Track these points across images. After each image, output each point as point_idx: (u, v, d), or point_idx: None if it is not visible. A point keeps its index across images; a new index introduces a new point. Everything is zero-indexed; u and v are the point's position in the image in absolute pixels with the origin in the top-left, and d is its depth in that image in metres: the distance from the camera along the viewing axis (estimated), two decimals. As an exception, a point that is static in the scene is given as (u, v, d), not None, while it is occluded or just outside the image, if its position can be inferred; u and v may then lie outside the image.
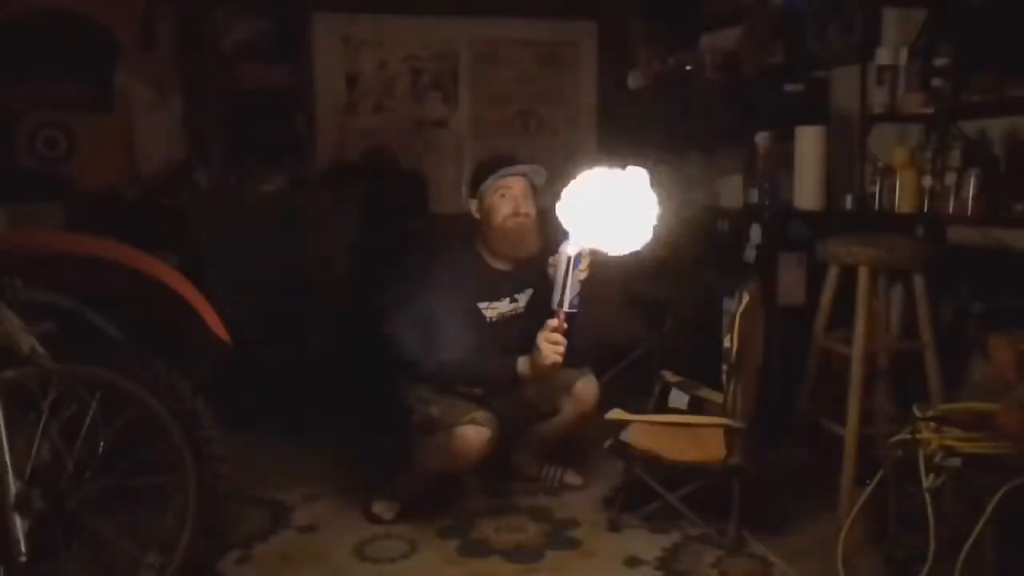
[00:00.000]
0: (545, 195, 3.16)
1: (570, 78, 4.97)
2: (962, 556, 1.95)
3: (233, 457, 2.07)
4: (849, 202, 3.33)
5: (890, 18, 3.17)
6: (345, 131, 4.77)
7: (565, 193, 2.23)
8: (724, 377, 2.52)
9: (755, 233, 3.33)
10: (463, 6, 4.76)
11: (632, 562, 2.47)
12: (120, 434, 2.04)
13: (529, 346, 2.55)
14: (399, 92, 4.88)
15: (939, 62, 2.88)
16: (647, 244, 2.19)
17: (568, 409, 2.87)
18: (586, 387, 2.85)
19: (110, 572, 2.12)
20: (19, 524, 1.82)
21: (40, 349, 1.80)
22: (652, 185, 2.18)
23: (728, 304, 3.34)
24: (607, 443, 2.69)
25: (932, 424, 2.12)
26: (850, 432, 2.66)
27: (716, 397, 2.73)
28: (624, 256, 2.25)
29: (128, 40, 4.54)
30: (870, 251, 2.65)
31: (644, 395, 3.08)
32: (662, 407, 2.91)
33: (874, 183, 3.12)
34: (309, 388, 3.82)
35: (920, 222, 3.06)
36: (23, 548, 1.81)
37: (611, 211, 2.16)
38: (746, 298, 2.58)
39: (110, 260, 1.91)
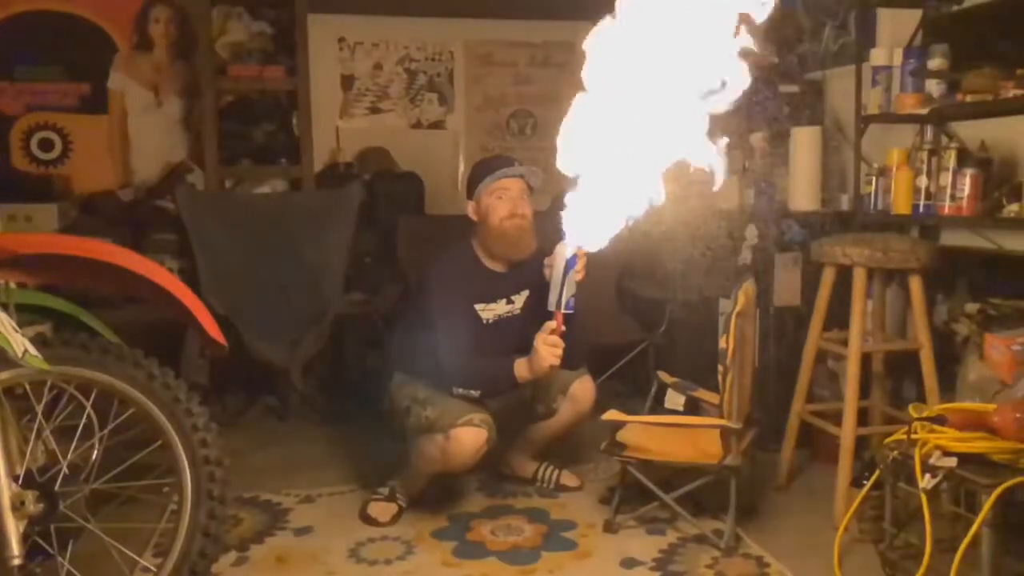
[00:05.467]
0: (541, 196, 3.18)
1: (566, 79, 4.98)
2: (958, 556, 1.95)
3: (229, 459, 2.07)
4: (844, 203, 3.34)
5: (885, 19, 3.18)
6: (340, 133, 4.77)
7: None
8: (720, 378, 2.52)
9: (751, 234, 3.33)
10: (458, 8, 4.77)
11: (628, 563, 2.47)
12: (115, 436, 2.04)
13: (526, 347, 2.55)
14: (395, 94, 4.88)
15: (933, 63, 2.89)
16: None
17: (565, 410, 2.87)
18: (582, 388, 2.85)
19: (105, 575, 2.11)
20: (14, 527, 1.81)
21: (34, 351, 1.79)
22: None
23: (724, 305, 3.35)
24: (603, 444, 2.69)
25: (928, 424, 2.12)
26: (846, 432, 2.67)
27: (712, 398, 2.73)
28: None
29: (123, 42, 4.54)
30: (865, 252, 2.66)
31: (640, 396, 3.08)
32: (658, 408, 2.91)
33: (869, 184, 3.13)
34: (305, 389, 3.82)
35: (915, 223, 3.07)
36: (17, 551, 1.80)
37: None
38: (742, 299, 2.58)
39: (105, 262, 1.90)
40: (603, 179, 2.09)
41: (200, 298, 2.04)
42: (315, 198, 4.20)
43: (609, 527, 2.67)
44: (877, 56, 3.11)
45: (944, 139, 2.95)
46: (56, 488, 1.91)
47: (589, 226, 2.20)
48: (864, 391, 2.83)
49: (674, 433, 2.72)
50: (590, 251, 2.30)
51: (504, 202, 2.71)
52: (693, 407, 2.87)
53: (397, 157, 4.75)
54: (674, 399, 2.87)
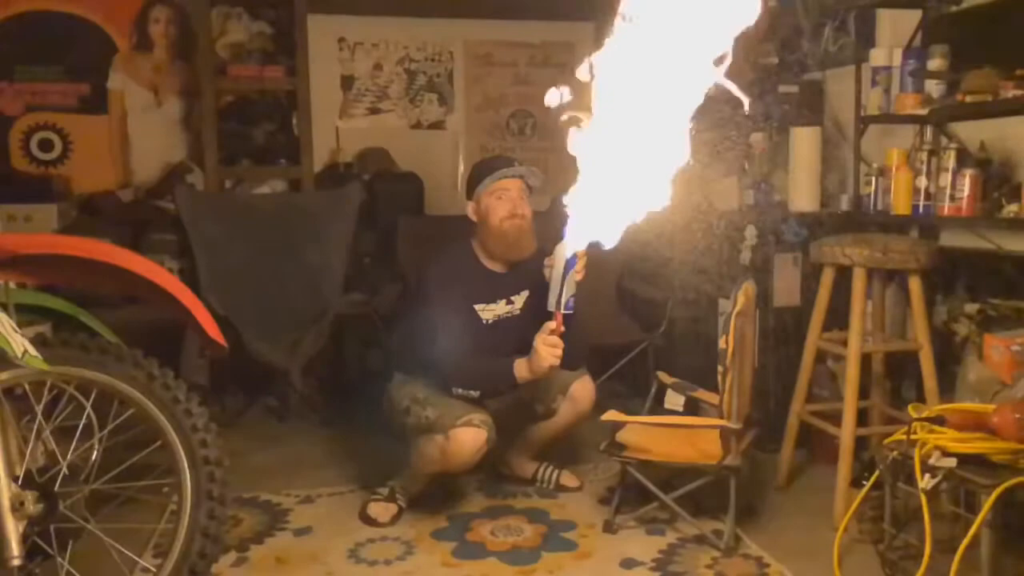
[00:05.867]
0: (541, 197, 3.18)
1: (566, 80, 4.98)
2: (957, 556, 1.95)
3: (228, 459, 2.07)
4: (844, 203, 3.34)
5: (884, 19, 3.18)
6: (340, 133, 4.77)
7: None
8: (719, 378, 2.52)
9: (750, 234, 3.33)
10: (458, 8, 4.77)
11: (628, 563, 2.47)
12: (114, 437, 2.04)
13: (525, 347, 2.55)
14: (394, 94, 4.88)
15: (933, 64, 2.89)
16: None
17: (564, 410, 2.87)
18: (582, 388, 2.85)
19: None
20: (13, 527, 1.81)
21: (34, 351, 1.79)
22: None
23: (724, 305, 3.35)
24: (603, 444, 2.69)
25: (927, 424, 2.12)
26: (845, 433, 2.67)
27: (712, 398, 2.73)
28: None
29: (123, 42, 4.54)
30: (865, 252, 2.66)
31: (640, 396, 3.08)
32: (658, 408, 2.91)
33: (869, 184, 3.13)
34: (305, 390, 3.83)
35: (914, 223, 3.07)
36: (17, 551, 1.80)
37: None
38: (741, 299, 2.58)
39: (104, 262, 1.90)
40: (613, 173, 2.05)
41: (200, 298, 2.04)
42: (315, 198, 4.20)
43: (609, 527, 2.67)
44: (877, 56, 3.11)
45: (944, 139, 2.95)
46: (56, 488, 1.91)
47: (599, 221, 2.16)
48: (863, 391, 2.83)
49: (674, 433, 2.72)
50: (604, 246, 2.25)
51: (504, 202, 2.71)
52: (693, 407, 2.87)
53: (397, 157, 4.75)
54: (674, 399, 2.87)
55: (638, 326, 3.92)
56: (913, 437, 2.10)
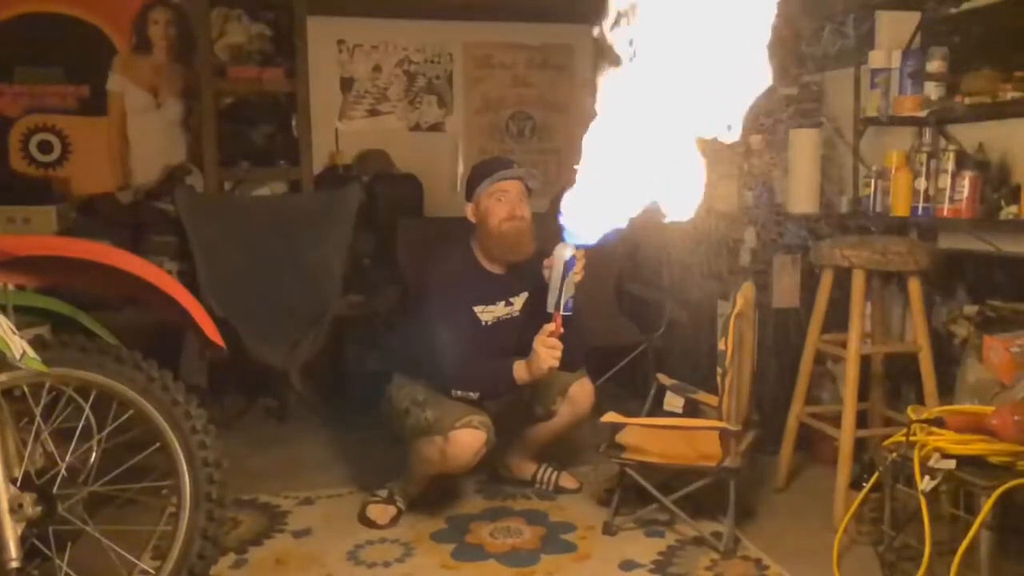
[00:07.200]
0: (540, 198, 3.18)
1: (565, 81, 4.99)
2: (957, 558, 1.95)
3: (227, 461, 2.07)
4: (843, 205, 3.34)
5: (884, 21, 3.18)
6: (339, 135, 4.77)
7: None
8: (719, 380, 2.52)
9: (749, 236, 3.33)
10: (457, 10, 4.77)
11: (627, 565, 2.47)
12: (113, 438, 2.04)
13: (524, 349, 2.55)
14: (394, 96, 4.88)
15: (932, 65, 2.89)
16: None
17: (563, 412, 2.87)
18: (581, 390, 2.85)
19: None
20: (12, 529, 1.81)
21: (32, 353, 1.79)
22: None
23: (723, 307, 3.35)
24: (602, 446, 2.69)
25: (926, 426, 2.12)
26: (845, 434, 2.67)
27: (711, 400, 2.73)
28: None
29: (122, 43, 4.54)
30: (864, 254, 2.66)
31: (639, 398, 3.08)
32: (657, 410, 2.91)
33: (868, 186, 3.13)
34: (304, 391, 3.82)
35: (914, 224, 3.07)
36: (15, 554, 1.80)
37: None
38: (741, 301, 2.58)
39: (104, 264, 1.90)
40: (616, 170, 2.04)
41: (199, 300, 2.04)
42: (314, 200, 4.20)
43: (608, 529, 2.67)
44: (876, 58, 3.11)
45: (943, 141, 2.95)
46: (54, 490, 1.91)
47: (591, 217, 2.14)
48: (863, 393, 2.83)
49: (673, 435, 2.72)
50: (587, 243, 2.23)
51: (503, 204, 2.71)
52: (692, 409, 2.87)
53: (396, 159, 4.75)
54: (673, 401, 2.88)
55: (637, 328, 3.92)
56: (912, 439, 2.10)
